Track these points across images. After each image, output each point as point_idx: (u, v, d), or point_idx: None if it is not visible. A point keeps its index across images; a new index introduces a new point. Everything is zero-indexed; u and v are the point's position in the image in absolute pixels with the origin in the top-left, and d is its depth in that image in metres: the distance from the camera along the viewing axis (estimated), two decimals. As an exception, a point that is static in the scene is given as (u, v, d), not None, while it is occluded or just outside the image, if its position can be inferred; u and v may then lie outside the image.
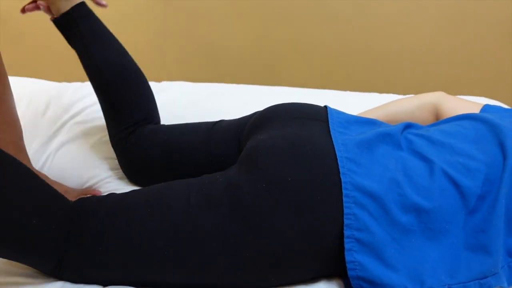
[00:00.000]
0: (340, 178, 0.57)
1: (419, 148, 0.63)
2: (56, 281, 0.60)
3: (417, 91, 1.02)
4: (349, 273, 0.56)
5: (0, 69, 0.78)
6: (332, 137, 0.62)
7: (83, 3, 0.81)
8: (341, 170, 0.57)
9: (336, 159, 0.59)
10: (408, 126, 0.73)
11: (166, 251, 0.57)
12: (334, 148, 0.60)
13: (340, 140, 0.62)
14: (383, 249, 0.56)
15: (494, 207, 0.58)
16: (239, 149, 0.72)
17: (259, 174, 0.59)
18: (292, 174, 0.57)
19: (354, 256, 0.56)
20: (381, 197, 0.56)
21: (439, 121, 0.79)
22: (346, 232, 0.55)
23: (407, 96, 1.11)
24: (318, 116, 0.68)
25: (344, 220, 0.55)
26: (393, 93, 1.19)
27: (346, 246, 0.56)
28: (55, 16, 0.82)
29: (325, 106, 0.74)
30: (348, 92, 1.20)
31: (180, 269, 0.57)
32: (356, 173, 0.58)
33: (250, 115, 0.80)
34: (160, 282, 0.59)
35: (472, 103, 0.86)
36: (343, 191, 0.56)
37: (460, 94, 1.05)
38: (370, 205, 0.56)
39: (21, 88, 1.14)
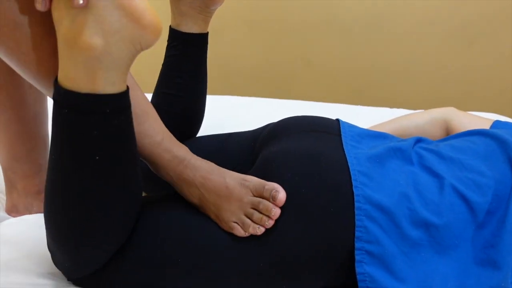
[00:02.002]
0: (353, 191, 0.58)
1: (429, 163, 0.64)
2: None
3: (427, 107, 1.03)
4: (360, 284, 0.57)
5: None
6: (345, 150, 0.63)
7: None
8: (353, 183, 0.58)
9: (349, 172, 0.59)
10: (418, 140, 0.74)
11: (181, 259, 0.58)
12: (347, 161, 0.61)
13: (352, 154, 0.63)
14: (392, 262, 0.56)
15: (504, 222, 0.58)
16: (252, 162, 0.74)
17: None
18: (305, 186, 0.59)
19: (364, 268, 0.56)
20: (392, 211, 0.57)
21: (449, 136, 0.80)
22: (357, 244, 0.56)
23: (418, 111, 1.13)
24: (331, 129, 0.70)
25: (356, 232, 0.56)
26: (404, 108, 1.20)
27: (357, 257, 0.56)
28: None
29: (337, 119, 0.75)
30: (359, 107, 1.21)
31: (193, 278, 0.59)
32: (368, 186, 0.59)
33: (262, 127, 0.81)
34: (176, 286, 0.60)
35: (483, 119, 0.86)
36: (356, 203, 0.57)
37: (470, 110, 1.06)
38: (380, 218, 0.57)
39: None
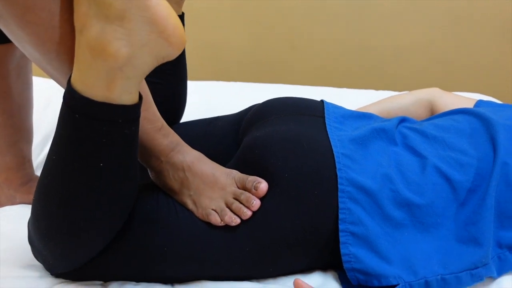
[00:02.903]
0: (336, 174, 0.58)
1: (412, 143, 0.65)
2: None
3: (412, 88, 1.04)
4: (345, 265, 0.57)
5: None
6: (328, 133, 0.63)
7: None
8: (337, 165, 0.58)
9: (333, 155, 0.60)
10: (402, 120, 0.74)
11: (168, 250, 0.58)
12: (330, 144, 0.61)
13: (336, 136, 0.63)
14: (376, 242, 0.57)
15: (484, 200, 0.59)
16: (237, 145, 0.73)
17: (255, 171, 0.61)
18: (289, 170, 0.59)
19: (349, 249, 0.57)
20: (375, 193, 0.58)
21: (434, 116, 0.80)
22: (341, 226, 0.57)
23: (403, 92, 1.13)
24: (315, 111, 0.70)
25: (339, 214, 0.57)
26: (389, 90, 1.21)
27: (341, 239, 0.57)
28: None
29: (322, 101, 0.75)
30: (344, 89, 1.21)
31: (187, 263, 0.59)
32: (351, 168, 0.59)
33: (246, 109, 0.81)
34: (164, 276, 0.60)
35: (466, 99, 0.87)
36: (339, 186, 0.57)
37: (454, 91, 1.06)
38: (363, 200, 0.57)
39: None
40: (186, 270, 0.59)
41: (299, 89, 1.24)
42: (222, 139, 0.77)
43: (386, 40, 1.58)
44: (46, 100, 1.11)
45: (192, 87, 1.19)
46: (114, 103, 0.45)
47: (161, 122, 0.59)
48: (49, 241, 0.53)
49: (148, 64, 0.44)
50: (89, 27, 0.42)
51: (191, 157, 0.61)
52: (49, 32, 0.45)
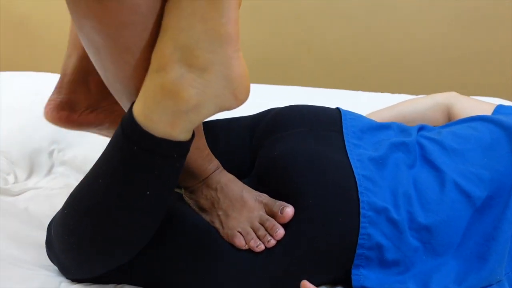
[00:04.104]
0: (358, 198, 0.57)
1: (431, 155, 0.63)
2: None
3: (429, 92, 1.02)
4: (353, 283, 0.57)
5: None
6: (348, 152, 0.62)
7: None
8: (359, 189, 0.57)
9: (354, 177, 0.59)
10: (421, 128, 0.72)
11: (193, 263, 0.58)
12: (351, 165, 0.60)
13: (355, 155, 0.62)
14: (391, 264, 0.57)
15: (504, 214, 0.58)
16: (252, 151, 0.73)
17: (277, 194, 0.61)
18: (312, 197, 0.58)
19: (360, 271, 0.57)
20: (394, 216, 0.56)
21: (452, 122, 0.79)
22: (359, 251, 0.56)
23: (419, 96, 1.11)
24: (333, 124, 0.68)
25: (359, 239, 0.56)
26: (405, 93, 1.19)
27: (355, 261, 0.57)
28: None
29: (338, 110, 0.73)
30: (360, 92, 1.20)
31: (206, 279, 0.59)
32: (372, 191, 0.58)
33: (262, 113, 0.79)
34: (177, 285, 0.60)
35: (485, 103, 0.85)
36: (361, 210, 0.56)
37: (473, 95, 1.04)
38: (383, 224, 0.56)
39: (42, 83, 1.18)
40: (199, 284, 0.59)
41: (314, 91, 1.23)
42: (235, 145, 0.76)
43: (403, 42, 1.56)
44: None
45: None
46: (172, 139, 0.47)
47: (208, 150, 0.63)
48: (77, 256, 0.55)
49: (211, 112, 0.46)
50: (169, 70, 0.43)
51: (225, 179, 0.63)
52: (133, 69, 0.46)
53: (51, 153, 0.98)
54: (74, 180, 0.92)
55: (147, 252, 0.57)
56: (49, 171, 0.96)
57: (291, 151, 0.63)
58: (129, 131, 0.47)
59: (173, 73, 0.43)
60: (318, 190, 0.58)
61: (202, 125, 0.62)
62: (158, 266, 0.58)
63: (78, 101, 0.69)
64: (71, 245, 0.54)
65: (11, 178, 0.89)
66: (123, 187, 0.50)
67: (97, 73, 0.53)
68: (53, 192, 0.87)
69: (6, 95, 1.14)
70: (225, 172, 0.64)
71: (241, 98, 0.45)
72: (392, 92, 1.20)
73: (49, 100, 0.69)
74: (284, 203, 0.59)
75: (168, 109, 0.45)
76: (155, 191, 0.51)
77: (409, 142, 0.65)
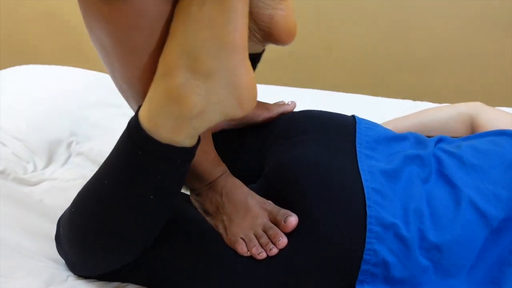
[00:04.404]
0: (366, 212, 0.55)
1: (448, 170, 0.60)
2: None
3: (454, 101, 0.99)
4: None
5: None
6: (359, 163, 0.60)
7: None
8: (367, 202, 0.56)
9: (363, 190, 0.57)
10: (439, 140, 0.70)
11: (193, 265, 0.58)
12: (361, 177, 0.58)
13: (367, 167, 0.60)
14: (397, 282, 0.55)
15: None
16: (263, 154, 0.72)
17: (282, 202, 0.60)
18: (316, 208, 0.57)
19: (365, 287, 0.55)
20: (403, 233, 0.54)
21: (473, 135, 0.75)
22: (363, 267, 0.55)
23: (443, 105, 1.08)
24: (346, 133, 0.66)
25: (364, 255, 0.54)
26: (428, 101, 1.15)
27: (359, 277, 0.55)
28: None
29: (354, 118, 0.71)
30: (380, 98, 1.17)
31: (204, 282, 0.59)
32: (381, 206, 0.56)
33: (279, 116, 0.78)
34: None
35: (513, 116, 0.81)
36: (367, 225, 0.54)
37: (501, 106, 1.00)
38: (391, 240, 0.54)
39: (66, 77, 1.21)
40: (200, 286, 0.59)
41: (333, 95, 1.21)
42: (248, 150, 0.75)
43: (428, 47, 1.51)
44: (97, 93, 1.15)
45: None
46: (176, 145, 0.47)
47: (214, 153, 0.63)
48: (82, 252, 0.56)
49: (216, 119, 0.46)
50: (175, 75, 0.43)
51: (230, 184, 0.63)
52: (140, 71, 0.46)
53: (69, 145, 1.01)
54: (89, 171, 0.94)
55: (151, 252, 0.58)
56: (66, 161, 0.98)
57: (300, 159, 0.62)
58: (134, 135, 0.48)
59: (178, 78, 0.43)
60: (324, 201, 0.57)
61: (210, 130, 0.62)
62: (161, 267, 0.59)
63: None
64: (77, 242, 0.55)
65: (30, 167, 0.92)
66: (127, 190, 0.50)
67: None
68: (68, 184, 0.89)
69: (33, 87, 1.18)
70: (231, 176, 0.64)
71: (246, 107, 0.45)
72: (414, 99, 1.16)
73: None
74: (288, 212, 0.58)
75: (172, 114, 0.45)
76: (159, 195, 0.51)
77: (425, 155, 0.63)
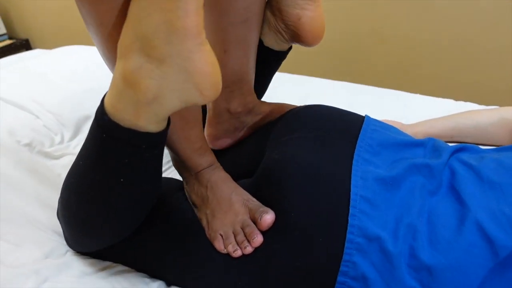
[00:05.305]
0: (347, 220, 0.51)
1: (460, 184, 0.53)
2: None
3: (501, 105, 0.89)
4: None
5: None
6: (353, 168, 0.55)
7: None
8: (351, 210, 0.51)
9: (349, 196, 0.52)
10: (460, 149, 0.62)
11: (173, 255, 0.58)
12: (350, 181, 0.53)
13: (360, 172, 0.55)
14: None
15: None
16: (261, 142, 0.70)
17: (267, 201, 0.57)
18: (296, 209, 0.53)
19: None
20: (390, 249, 0.49)
21: (506, 147, 0.66)
22: (340, 278, 0.50)
23: (490, 107, 0.97)
24: (348, 134, 0.61)
25: (341, 266, 0.50)
26: (472, 101, 1.04)
27: None
28: None
29: (364, 118, 0.66)
30: (418, 96, 1.08)
31: (177, 275, 0.59)
32: (368, 215, 0.51)
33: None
34: (159, 276, 0.62)
35: None
36: (347, 235, 0.50)
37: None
38: (375, 255, 0.49)
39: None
40: (176, 277, 0.59)
41: (367, 90, 1.15)
42: (255, 145, 0.72)
43: (483, 40, 1.36)
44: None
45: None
46: (139, 130, 0.46)
47: (201, 143, 0.61)
48: (69, 228, 0.58)
49: (175, 105, 0.44)
50: (129, 59, 0.42)
51: (216, 178, 0.61)
52: (110, 44, 0.46)
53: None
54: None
55: (135, 237, 0.58)
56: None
57: (287, 158, 0.58)
58: (99, 119, 0.47)
59: (132, 62, 0.42)
60: (304, 204, 0.53)
61: (200, 115, 0.60)
62: (143, 252, 0.59)
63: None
64: (64, 217, 0.57)
65: (58, 138, 0.97)
66: (97, 172, 0.50)
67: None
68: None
69: (70, 65, 1.24)
70: (219, 170, 0.63)
71: (207, 94, 0.42)
72: (456, 99, 1.06)
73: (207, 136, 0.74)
74: (266, 209, 0.56)
75: (129, 98, 0.44)
76: (129, 178, 0.51)
77: (435, 165, 0.56)
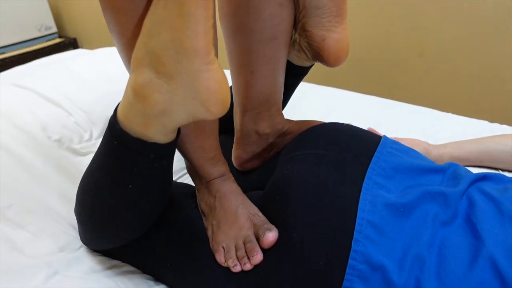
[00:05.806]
0: (351, 245, 0.49)
1: (477, 216, 0.50)
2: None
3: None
4: None
5: None
6: (362, 191, 0.53)
7: None
8: (355, 235, 0.49)
9: (355, 220, 0.50)
10: (483, 178, 0.58)
11: (176, 258, 0.59)
12: (357, 205, 0.51)
13: (369, 196, 0.52)
14: None
15: None
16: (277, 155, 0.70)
17: (274, 219, 0.57)
18: (299, 230, 0.52)
19: None
20: (394, 280, 0.46)
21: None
22: None
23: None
24: (362, 156, 0.59)
25: None
26: (509, 124, 0.98)
27: None
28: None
29: (381, 139, 0.63)
30: (450, 115, 1.04)
31: (178, 281, 0.60)
32: (373, 242, 0.49)
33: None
34: (162, 278, 0.63)
35: None
36: (349, 261, 0.48)
37: None
38: (377, 284, 0.47)
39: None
40: (179, 283, 0.60)
41: (403, 106, 1.12)
42: (274, 157, 0.72)
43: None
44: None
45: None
46: (148, 140, 0.48)
47: (215, 153, 0.62)
48: (80, 225, 0.61)
49: (183, 119, 0.45)
50: (140, 72, 0.44)
51: (226, 189, 0.61)
52: (126, 27, 0.48)
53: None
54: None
55: (144, 239, 0.60)
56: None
57: (295, 176, 0.57)
58: (111, 127, 0.50)
59: (142, 75, 0.43)
60: (307, 225, 0.52)
61: (216, 126, 0.61)
62: (151, 255, 0.61)
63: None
64: (79, 216, 0.60)
65: (87, 135, 1.01)
66: (107, 177, 0.53)
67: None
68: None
69: (108, 66, 1.29)
70: (230, 181, 0.63)
71: (214, 111, 0.43)
72: (491, 121, 1.00)
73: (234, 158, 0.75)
74: (270, 226, 0.55)
75: (138, 110, 0.46)
76: (138, 186, 0.52)
77: (450, 194, 0.53)
